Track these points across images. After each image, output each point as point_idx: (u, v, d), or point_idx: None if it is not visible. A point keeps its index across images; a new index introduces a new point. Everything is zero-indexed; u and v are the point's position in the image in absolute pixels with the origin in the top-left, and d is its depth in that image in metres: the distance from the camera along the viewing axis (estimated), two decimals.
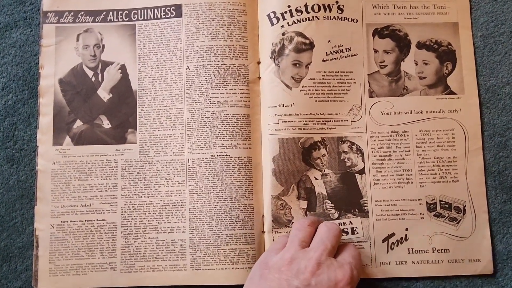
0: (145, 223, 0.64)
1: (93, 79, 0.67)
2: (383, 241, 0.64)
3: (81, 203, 0.64)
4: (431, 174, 0.65)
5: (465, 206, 0.64)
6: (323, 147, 0.65)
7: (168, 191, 0.65)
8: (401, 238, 0.64)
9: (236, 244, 0.63)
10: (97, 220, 0.64)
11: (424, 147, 0.66)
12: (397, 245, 0.64)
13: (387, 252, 0.64)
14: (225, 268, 0.63)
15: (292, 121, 0.65)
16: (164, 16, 0.68)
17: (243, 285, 0.57)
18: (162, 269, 0.63)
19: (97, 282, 0.63)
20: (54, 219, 0.64)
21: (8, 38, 0.68)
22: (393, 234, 0.64)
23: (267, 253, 0.58)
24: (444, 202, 0.65)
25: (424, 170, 0.65)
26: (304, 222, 0.58)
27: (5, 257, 0.64)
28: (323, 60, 0.66)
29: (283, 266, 0.53)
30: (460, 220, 0.64)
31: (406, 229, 0.64)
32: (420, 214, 0.64)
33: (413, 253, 0.64)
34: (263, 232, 0.64)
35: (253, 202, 0.64)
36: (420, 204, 0.65)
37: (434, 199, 0.65)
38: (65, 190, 0.65)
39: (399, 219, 0.64)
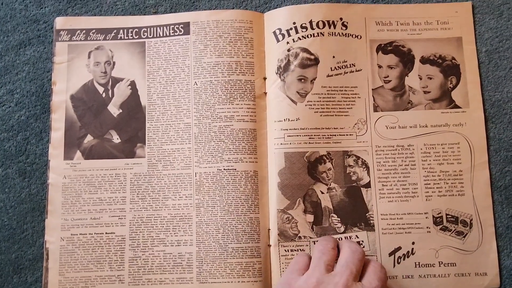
0: (152, 236, 0.65)
1: (103, 95, 0.69)
2: (390, 255, 0.64)
3: (90, 216, 0.66)
4: (437, 187, 0.65)
5: (471, 219, 0.64)
6: (329, 161, 0.66)
7: (176, 204, 0.66)
8: (408, 252, 0.64)
9: (242, 258, 0.64)
10: (106, 233, 0.65)
11: (430, 160, 0.66)
12: (404, 259, 0.64)
13: (394, 266, 0.64)
14: (231, 281, 0.63)
15: (297, 135, 0.66)
16: (172, 34, 0.70)
17: None
18: (169, 282, 0.64)
19: None
20: (64, 232, 0.65)
21: (22, 55, 0.71)
22: (399, 248, 0.64)
23: (289, 275, 0.55)
24: (450, 216, 0.65)
25: (430, 184, 0.65)
26: (328, 244, 0.56)
27: (16, 269, 0.65)
28: (328, 75, 0.67)
29: None
30: (467, 233, 0.64)
31: (413, 243, 0.64)
32: (427, 227, 0.64)
33: (419, 267, 0.64)
34: (269, 245, 0.64)
35: (259, 216, 0.65)
36: (426, 217, 0.65)
37: (440, 212, 0.65)
38: (75, 204, 0.66)
39: (405, 232, 0.64)
